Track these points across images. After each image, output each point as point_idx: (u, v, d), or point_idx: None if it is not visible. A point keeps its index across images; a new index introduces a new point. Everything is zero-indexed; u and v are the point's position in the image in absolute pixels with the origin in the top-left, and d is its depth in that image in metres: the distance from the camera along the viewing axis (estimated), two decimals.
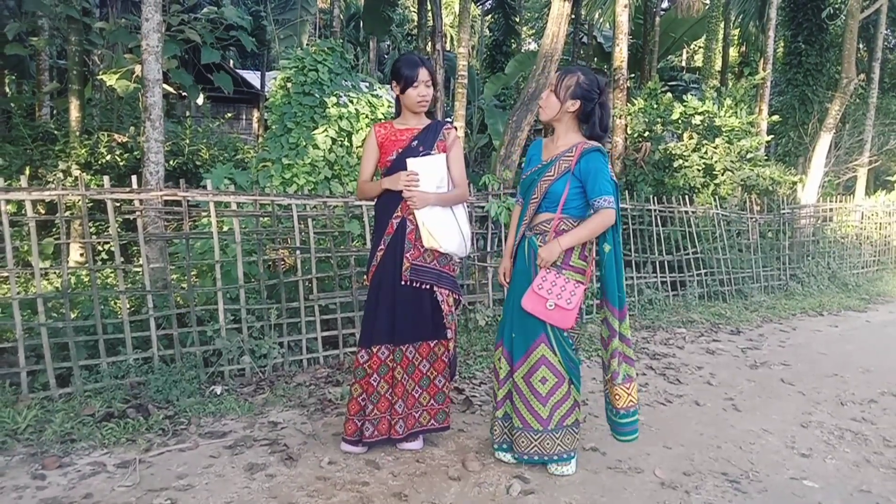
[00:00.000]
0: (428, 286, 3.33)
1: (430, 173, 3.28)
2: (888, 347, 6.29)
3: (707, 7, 13.92)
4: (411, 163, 3.26)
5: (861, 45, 16.75)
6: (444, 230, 3.29)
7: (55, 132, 8.82)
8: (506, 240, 3.52)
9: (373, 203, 3.62)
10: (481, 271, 6.30)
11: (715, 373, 5.20)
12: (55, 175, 7.84)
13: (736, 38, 20.33)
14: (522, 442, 3.21)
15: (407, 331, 3.32)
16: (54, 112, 10.47)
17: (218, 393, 4.15)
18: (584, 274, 3.17)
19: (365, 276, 3.58)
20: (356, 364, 3.35)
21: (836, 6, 11.03)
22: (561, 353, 3.17)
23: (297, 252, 5.00)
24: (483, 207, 6.16)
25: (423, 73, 3.27)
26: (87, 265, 4.36)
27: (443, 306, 3.37)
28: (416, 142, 3.34)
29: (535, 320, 3.14)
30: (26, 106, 9.77)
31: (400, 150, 3.33)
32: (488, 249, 6.27)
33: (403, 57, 3.40)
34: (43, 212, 7.50)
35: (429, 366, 3.40)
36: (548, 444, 3.20)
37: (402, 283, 3.29)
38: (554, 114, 3.17)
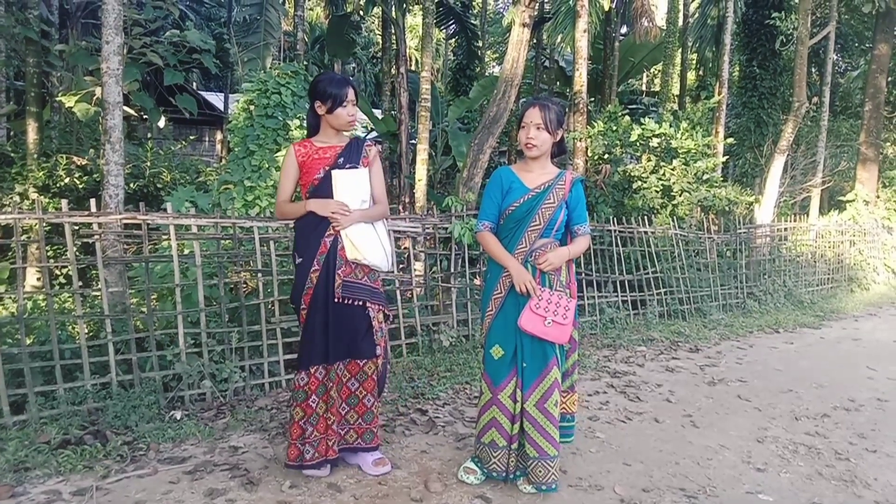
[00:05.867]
0: (361, 302, 3.33)
1: (355, 186, 3.31)
2: (841, 363, 6.46)
3: (664, 33, 14.27)
4: (336, 174, 3.28)
5: (813, 70, 17.33)
6: (366, 243, 3.30)
7: (12, 154, 8.66)
8: (489, 264, 3.42)
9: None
10: (445, 292, 6.34)
11: (674, 390, 5.30)
12: (11, 198, 7.70)
13: (693, 62, 20.88)
14: (541, 472, 3.20)
15: (339, 349, 3.32)
16: (11, 134, 10.30)
17: (178, 418, 4.10)
18: (569, 290, 3.30)
19: (292, 300, 3.45)
20: (296, 387, 3.31)
21: (788, 33, 11.41)
22: (562, 373, 3.27)
23: (259, 275, 4.98)
24: (446, 229, 6.22)
25: (351, 93, 3.30)
26: (43, 290, 4.29)
27: (374, 323, 3.37)
28: (342, 159, 3.34)
29: (547, 344, 3.18)
30: None
31: (327, 168, 3.31)
32: (452, 270, 6.31)
33: (326, 75, 3.38)
34: None
35: (357, 384, 3.40)
36: (559, 467, 3.27)
37: (336, 300, 3.28)
38: (547, 149, 3.30)
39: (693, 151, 9.25)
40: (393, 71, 14.78)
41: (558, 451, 3.23)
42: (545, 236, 3.25)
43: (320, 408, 3.30)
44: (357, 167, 3.35)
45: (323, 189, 3.30)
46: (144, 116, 9.69)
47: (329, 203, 3.25)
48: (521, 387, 3.21)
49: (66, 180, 8.42)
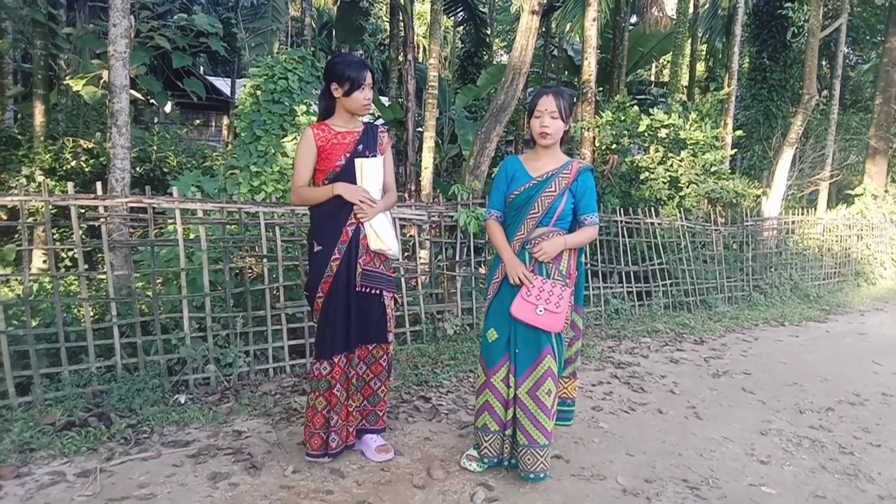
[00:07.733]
0: (378, 291, 3.33)
1: (375, 175, 3.30)
2: (846, 357, 6.44)
3: (674, 23, 14.15)
4: (361, 163, 3.26)
5: (824, 63, 17.19)
6: (387, 233, 3.31)
7: (18, 137, 8.67)
8: (494, 250, 3.41)
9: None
10: (450, 281, 6.33)
11: (678, 381, 5.29)
12: (18, 180, 7.71)
13: (703, 53, 20.72)
14: (529, 460, 3.19)
15: (357, 336, 3.33)
16: (18, 117, 10.31)
17: (182, 402, 4.11)
18: (569, 279, 3.27)
19: (307, 289, 3.40)
20: (318, 376, 3.28)
21: (799, 25, 11.32)
22: (559, 362, 3.24)
23: (265, 260, 4.98)
24: (452, 217, 6.20)
25: (368, 76, 3.26)
26: (49, 272, 4.30)
27: (387, 310, 3.38)
28: (362, 146, 3.31)
29: (541, 332, 3.16)
30: None
31: (348, 154, 3.27)
32: (457, 259, 6.30)
33: (344, 57, 3.31)
34: (5, 217, 7.37)
35: (365, 368, 3.40)
36: (550, 457, 3.26)
37: (357, 289, 3.27)
38: (559, 137, 3.28)
39: (701, 143, 9.19)
40: (400, 58, 14.69)
41: (549, 441, 3.19)
42: (543, 224, 3.23)
43: (342, 395, 3.30)
44: (376, 155, 3.34)
45: (344, 177, 3.25)
46: (151, 100, 9.69)
47: (357, 190, 3.22)
48: (513, 372, 3.21)
49: (73, 163, 8.43)
